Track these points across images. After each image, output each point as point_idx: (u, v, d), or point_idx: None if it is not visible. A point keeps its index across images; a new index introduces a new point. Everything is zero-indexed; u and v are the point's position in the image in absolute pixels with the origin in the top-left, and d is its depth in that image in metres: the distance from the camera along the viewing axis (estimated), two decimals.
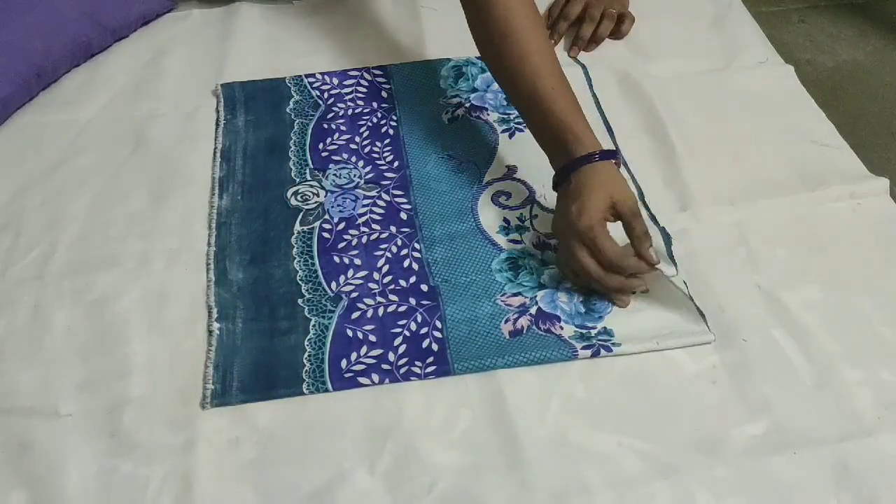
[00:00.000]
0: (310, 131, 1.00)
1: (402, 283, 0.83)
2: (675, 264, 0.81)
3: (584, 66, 1.08)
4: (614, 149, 0.88)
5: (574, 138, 0.82)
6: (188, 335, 0.79)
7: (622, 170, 0.93)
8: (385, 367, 0.76)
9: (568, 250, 0.80)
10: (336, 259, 0.86)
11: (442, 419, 0.73)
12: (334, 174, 0.95)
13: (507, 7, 0.88)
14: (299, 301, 0.82)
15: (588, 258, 0.78)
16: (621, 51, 1.12)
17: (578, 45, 1.11)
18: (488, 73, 1.06)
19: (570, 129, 0.82)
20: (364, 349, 0.77)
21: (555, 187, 0.85)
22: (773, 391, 0.74)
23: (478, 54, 1.07)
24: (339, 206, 0.91)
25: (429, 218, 0.90)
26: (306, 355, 0.77)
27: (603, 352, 0.76)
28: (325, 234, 0.88)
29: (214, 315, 0.81)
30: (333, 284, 0.83)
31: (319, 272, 0.84)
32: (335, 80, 1.07)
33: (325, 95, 1.05)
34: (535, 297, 0.81)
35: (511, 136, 0.99)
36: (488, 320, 0.79)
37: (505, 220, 0.89)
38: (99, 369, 0.77)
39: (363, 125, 1.01)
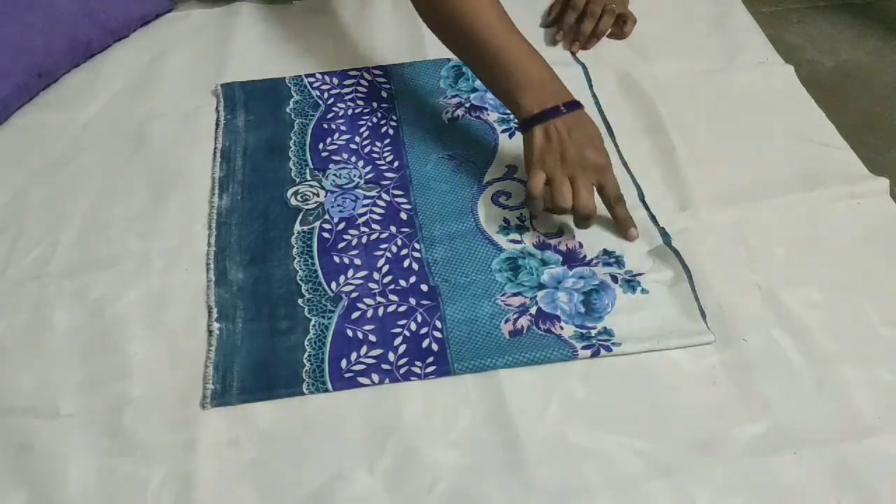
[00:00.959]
0: (310, 131, 1.00)
1: (402, 283, 0.83)
2: (682, 263, 0.82)
3: (584, 66, 1.08)
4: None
5: (542, 82, 0.87)
6: (188, 335, 0.79)
7: (621, 169, 0.94)
8: (385, 367, 0.76)
9: (570, 179, 0.84)
10: (336, 259, 0.86)
11: (442, 419, 0.73)
12: (334, 174, 0.95)
13: None
14: (299, 301, 0.82)
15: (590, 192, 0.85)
16: (621, 51, 1.12)
17: (580, 41, 1.11)
18: None
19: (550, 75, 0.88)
20: (364, 349, 0.77)
21: (528, 124, 0.86)
22: (773, 391, 0.74)
23: None
24: (339, 206, 0.91)
25: (429, 218, 0.90)
26: (306, 355, 0.77)
27: (603, 352, 0.76)
28: (325, 234, 0.88)
29: (214, 315, 0.81)
30: (333, 284, 0.83)
31: (319, 272, 0.84)
32: (335, 80, 1.07)
33: (325, 95, 1.05)
34: (535, 297, 0.81)
35: (511, 136, 0.99)
36: (488, 320, 0.79)
37: (505, 220, 0.89)
38: (99, 369, 0.77)
39: (363, 125, 1.01)
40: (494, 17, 0.90)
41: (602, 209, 0.87)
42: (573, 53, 1.10)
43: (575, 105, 0.87)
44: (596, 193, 0.86)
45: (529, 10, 1.17)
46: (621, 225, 0.86)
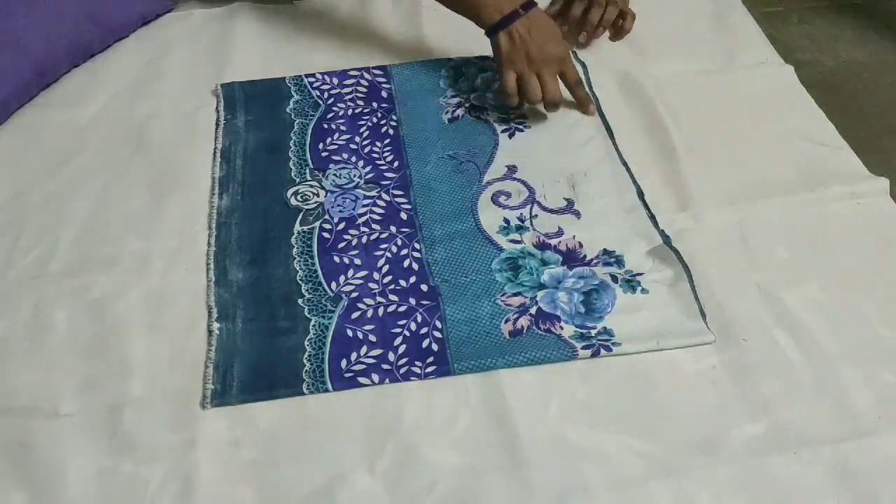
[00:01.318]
0: (310, 131, 1.00)
1: (402, 283, 0.83)
2: (682, 263, 0.82)
3: (584, 65, 1.08)
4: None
5: None
6: (188, 335, 0.79)
7: (621, 169, 0.94)
8: (385, 367, 0.76)
9: (536, 74, 0.97)
10: (336, 259, 0.86)
11: (442, 419, 0.73)
12: (334, 174, 0.95)
13: None
14: (299, 301, 0.82)
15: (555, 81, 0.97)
16: (621, 51, 1.12)
17: (588, 31, 1.11)
18: (488, 73, 1.06)
19: None
20: (364, 349, 0.77)
21: (494, 31, 0.97)
22: (773, 391, 0.74)
23: (478, 54, 1.07)
24: (339, 206, 0.91)
25: (429, 218, 0.90)
26: (306, 355, 0.77)
27: (603, 352, 0.76)
28: (325, 234, 0.88)
29: (214, 315, 0.81)
30: (333, 284, 0.83)
31: (319, 272, 0.84)
32: (335, 80, 1.07)
33: (325, 95, 1.05)
34: (535, 297, 0.81)
35: (511, 136, 0.99)
36: (488, 320, 0.79)
37: (505, 220, 0.89)
38: (99, 369, 0.77)
39: (363, 125, 1.01)
40: None
41: (607, 211, 0.88)
42: (574, 53, 1.10)
43: (531, 5, 0.98)
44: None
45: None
46: (581, 104, 1.00)
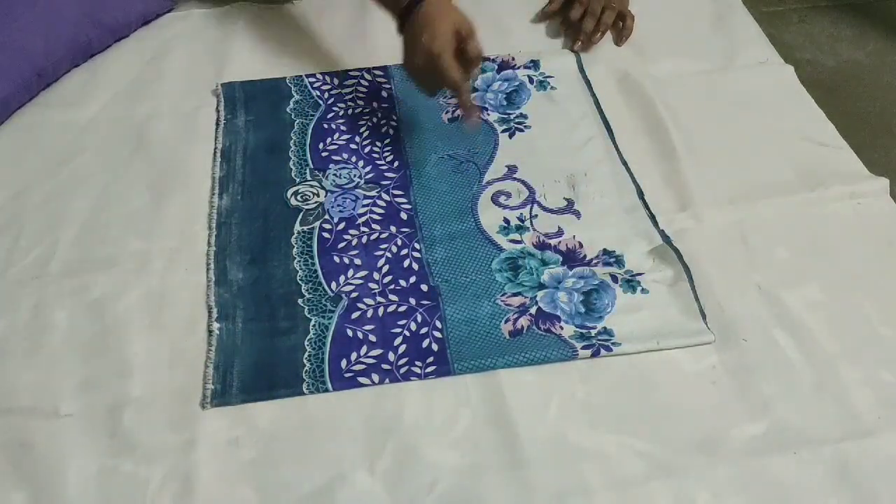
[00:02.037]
0: (310, 131, 1.00)
1: (402, 283, 0.83)
2: (682, 262, 0.82)
3: (578, 56, 1.08)
4: None
5: None
6: (188, 335, 0.79)
7: (621, 169, 0.94)
8: (385, 367, 0.76)
9: (422, 72, 0.92)
10: (336, 259, 0.86)
11: (442, 419, 0.73)
12: (334, 174, 0.95)
13: None
14: (299, 301, 0.82)
15: (438, 77, 0.90)
16: (621, 51, 1.12)
17: (582, 40, 1.10)
18: (488, 73, 1.06)
19: None
20: (364, 349, 0.77)
21: (400, 30, 0.94)
22: (773, 391, 0.74)
23: None
24: (339, 206, 0.91)
25: (429, 218, 0.90)
26: (306, 355, 0.77)
27: (603, 351, 0.76)
28: (325, 234, 0.88)
29: (214, 315, 0.81)
30: (333, 284, 0.83)
31: (319, 272, 0.84)
32: (335, 80, 1.07)
33: (326, 95, 1.05)
34: (535, 297, 0.81)
35: (511, 136, 0.99)
36: (488, 320, 0.79)
37: (505, 220, 0.89)
38: (99, 369, 0.77)
39: (363, 125, 1.01)
40: None
41: (607, 211, 0.88)
42: (572, 50, 1.10)
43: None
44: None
45: (531, 5, 1.17)
46: (472, 63, 0.92)
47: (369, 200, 0.92)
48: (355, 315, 0.80)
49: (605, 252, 0.85)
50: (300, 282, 0.83)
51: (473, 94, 1.04)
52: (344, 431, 0.72)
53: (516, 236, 0.88)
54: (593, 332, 0.78)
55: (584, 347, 0.76)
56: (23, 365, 0.77)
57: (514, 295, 0.82)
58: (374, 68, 1.08)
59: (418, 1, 0.91)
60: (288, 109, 1.03)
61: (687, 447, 0.70)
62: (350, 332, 0.79)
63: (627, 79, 1.06)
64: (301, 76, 1.07)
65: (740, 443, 0.71)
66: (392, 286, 0.83)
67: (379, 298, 0.81)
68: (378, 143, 0.99)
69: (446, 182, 0.94)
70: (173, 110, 1.04)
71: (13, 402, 0.75)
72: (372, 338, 0.78)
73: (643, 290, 0.82)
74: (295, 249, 0.87)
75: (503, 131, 1.00)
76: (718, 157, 0.95)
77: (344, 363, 0.76)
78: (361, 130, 1.00)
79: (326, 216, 0.90)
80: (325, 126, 1.01)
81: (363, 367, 0.76)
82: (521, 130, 0.99)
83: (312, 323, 0.79)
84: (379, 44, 1.13)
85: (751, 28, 1.16)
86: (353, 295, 0.82)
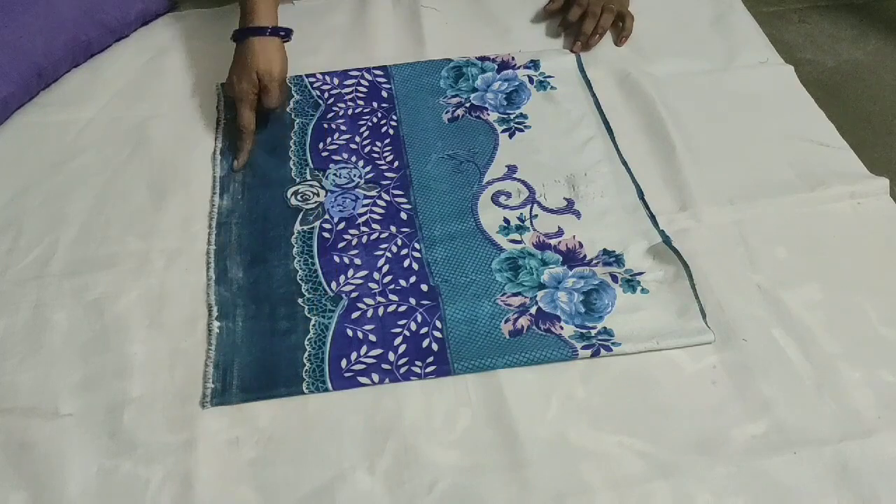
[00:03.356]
0: (310, 131, 1.00)
1: (402, 282, 0.83)
2: (682, 262, 0.82)
3: (578, 57, 1.08)
4: (284, 28, 1.02)
5: (252, 9, 0.99)
6: (188, 334, 0.79)
7: (621, 169, 0.94)
8: (385, 366, 0.76)
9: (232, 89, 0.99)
10: (336, 259, 0.86)
11: (442, 419, 0.73)
12: (334, 174, 0.95)
13: None
14: (299, 300, 0.82)
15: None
16: (621, 51, 1.12)
17: (581, 41, 1.10)
18: (489, 73, 1.06)
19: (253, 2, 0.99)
20: (364, 349, 0.77)
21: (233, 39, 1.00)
22: (773, 391, 0.74)
23: (478, 54, 1.08)
24: (339, 205, 0.91)
25: (429, 218, 0.90)
26: (306, 355, 0.77)
27: (603, 351, 0.76)
28: (325, 234, 0.88)
29: (214, 314, 0.81)
30: (333, 284, 0.83)
31: (319, 272, 0.84)
32: (335, 80, 1.07)
33: (326, 95, 1.05)
34: (535, 297, 0.81)
35: (511, 136, 0.99)
36: (488, 320, 0.79)
37: (505, 220, 0.89)
38: (99, 369, 0.77)
39: (363, 125, 1.01)
40: None
41: (607, 211, 0.88)
42: (572, 50, 1.10)
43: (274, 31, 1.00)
44: None
45: (530, 4, 1.17)
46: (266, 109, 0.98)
47: (369, 200, 0.92)
48: (355, 315, 0.80)
49: (605, 252, 0.86)
50: (300, 281, 0.83)
51: (474, 93, 1.04)
52: (344, 431, 0.72)
53: (516, 236, 0.88)
54: (593, 331, 0.78)
55: (584, 347, 0.76)
56: (23, 365, 0.77)
57: (514, 295, 0.82)
58: (374, 68, 1.08)
59: (251, 33, 0.98)
60: (288, 109, 1.03)
61: (687, 447, 0.70)
62: (350, 332, 0.79)
63: (627, 79, 1.06)
64: (301, 76, 1.07)
65: (740, 443, 0.71)
66: (392, 286, 0.83)
67: (379, 298, 0.81)
68: (378, 143, 0.99)
69: (446, 182, 0.94)
70: (173, 110, 1.04)
71: (13, 402, 0.75)
72: (372, 337, 0.78)
73: (643, 290, 0.82)
74: (295, 249, 0.87)
75: (503, 131, 1.00)
76: (718, 157, 0.96)
77: (344, 363, 0.76)
78: (361, 130, 1.00)
79: (326, 216, 0.90)
80: (325, 126, 1.01)
81: (363, 366, 0.76)
82: (521, 130, 1.00)
83: (312, 322, 0.80)
84: (379, 44, 1.13)
85: (751, 28, 1.16)
86: (353, 295, 0.82)
